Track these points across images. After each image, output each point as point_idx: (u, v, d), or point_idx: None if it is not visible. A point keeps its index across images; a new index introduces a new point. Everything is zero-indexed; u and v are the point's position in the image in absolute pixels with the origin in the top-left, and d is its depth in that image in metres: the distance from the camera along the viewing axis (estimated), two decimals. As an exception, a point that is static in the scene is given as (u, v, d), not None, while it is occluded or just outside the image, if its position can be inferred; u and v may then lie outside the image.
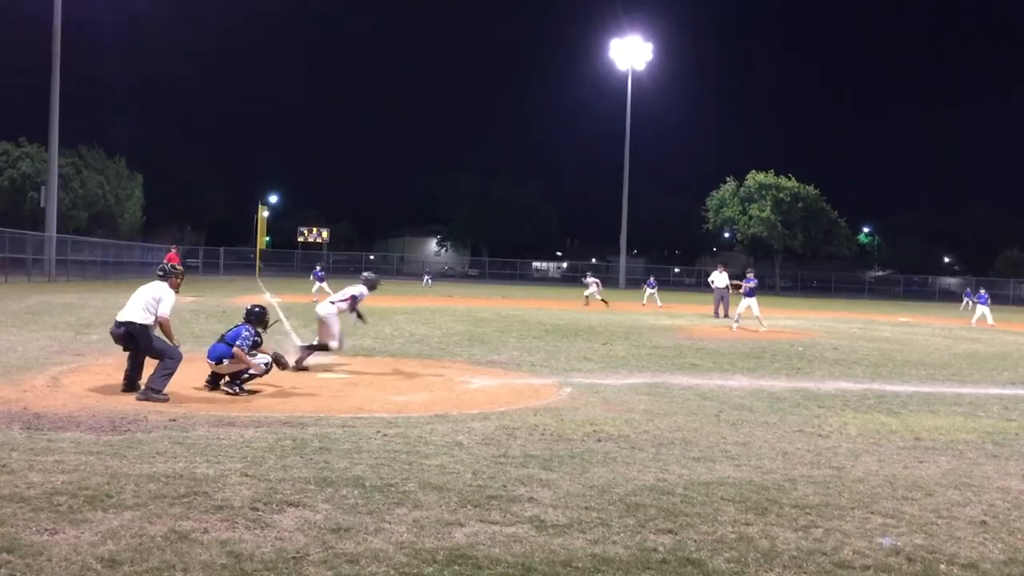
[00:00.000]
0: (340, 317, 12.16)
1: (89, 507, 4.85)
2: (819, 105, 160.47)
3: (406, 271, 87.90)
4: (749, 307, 23.08)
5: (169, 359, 9.01)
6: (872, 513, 5.48)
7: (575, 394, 10.14)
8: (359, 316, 12.49)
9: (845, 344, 19.64)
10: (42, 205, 45.52)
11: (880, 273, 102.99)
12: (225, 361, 9.48)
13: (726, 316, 27.44)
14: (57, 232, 44.12)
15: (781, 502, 5.63)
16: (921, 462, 7.14)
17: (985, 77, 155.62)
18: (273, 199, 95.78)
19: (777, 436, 8.02)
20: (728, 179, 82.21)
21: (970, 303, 33.02)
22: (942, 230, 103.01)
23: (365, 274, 13.03)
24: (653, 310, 33.13)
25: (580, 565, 4.31)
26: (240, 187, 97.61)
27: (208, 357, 9.61)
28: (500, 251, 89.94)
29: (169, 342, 9.19)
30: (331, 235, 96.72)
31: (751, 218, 79.33)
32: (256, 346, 9.88)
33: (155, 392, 8.74)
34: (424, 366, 12.47)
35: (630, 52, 72.81)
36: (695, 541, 4.75)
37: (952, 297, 78.37)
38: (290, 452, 6.45)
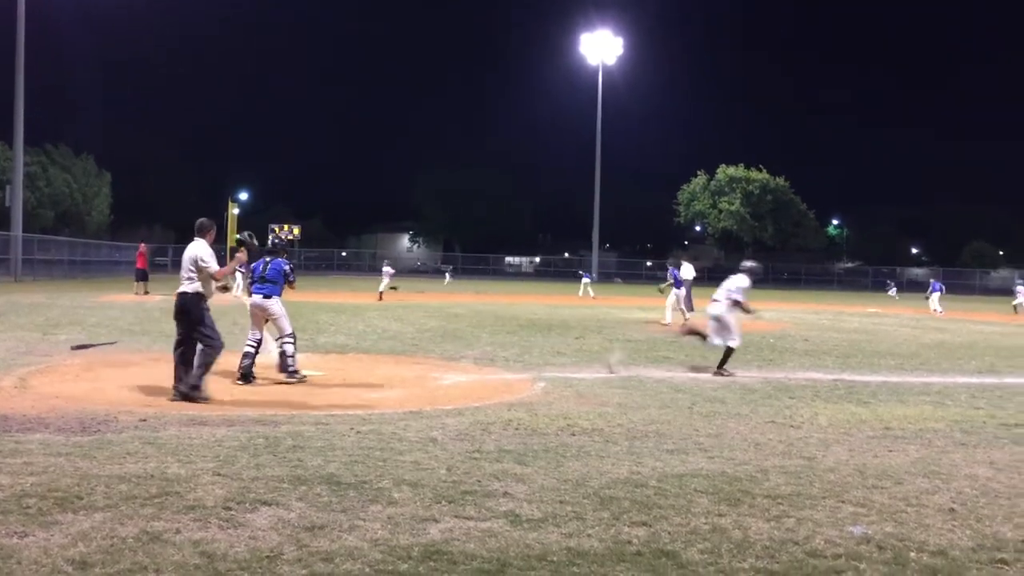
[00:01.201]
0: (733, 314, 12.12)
1: (59, 509, 4.79)
2: (788, 97, 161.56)
3: (379, 267, 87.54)
4: (676, 298, 22.66)
5: (210, 348, 8.84)
6: (843, 502, 5.54)
7: (549, 388, 10.17)
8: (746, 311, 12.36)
9: (815, 335, 19.84)
10: (7, 204, 44.85)
11: (849, 265, 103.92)
12: (274, 297, 10.15)
13: (691, 310, 27.61)
14: (23, 231, 43.52)
15: (753, 493, 5.68)
16: (890, 451, 7.23)
17: (951, 68, 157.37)
18: (243, 196, 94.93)
19: (749, 427, 8.09)
20: (699, 173, 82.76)
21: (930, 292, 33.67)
22: (910, 221, 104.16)
23: (749, 264, 12.78)
24: (591, 302, 33.26)
25: (555, 559, 4.32)
26: (210, 184, 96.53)
27: (257, 293, 10.12)
28: (473, 246, 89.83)
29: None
30: (302, 232, 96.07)
31: (721, 212, 79.89)
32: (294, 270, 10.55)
33: (195, 390, 8.61)
34: (397, 362, 12.44)
35: (601, 46, 73.04)
36: (669, 533, 4.78)
37: (919, 287, 79.40)
38: (263, 451, 6.41)
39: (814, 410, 9.19)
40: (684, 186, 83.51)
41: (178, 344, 9.05)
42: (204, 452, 6.31)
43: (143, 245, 32.71)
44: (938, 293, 33.86)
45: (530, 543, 4.53)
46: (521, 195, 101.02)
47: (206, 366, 8.81)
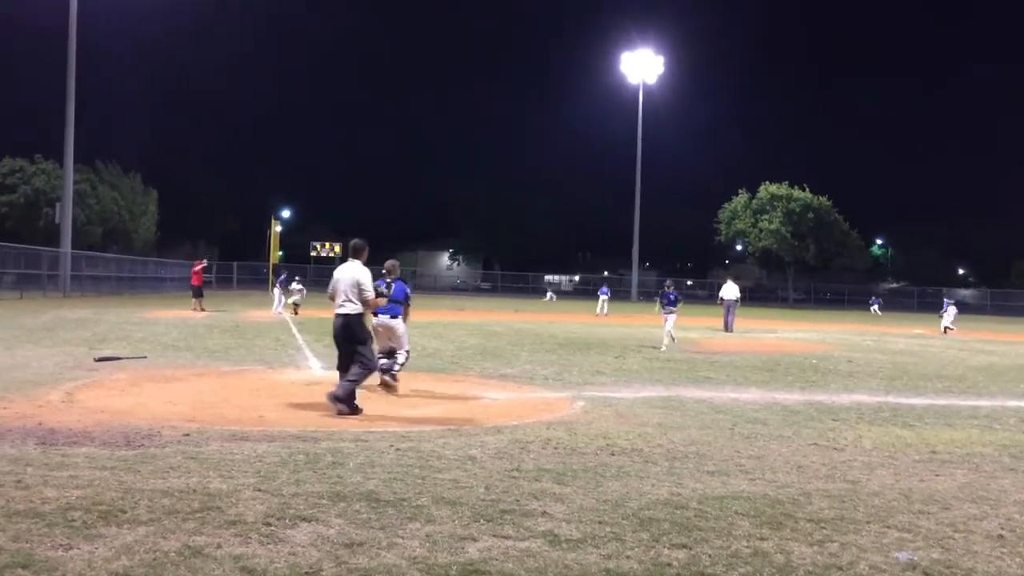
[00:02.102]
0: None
1: (103, 522, 4.86)
2: (834, 116, 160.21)
3: (420, 285, 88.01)
4: (667, 320, 20.82)
5: (363, 368, 9.23)
6: (888, 527, 5.43)
7: (588, 408, 10.12)
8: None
9: (859, 357, 19.55)
10: (56, 221, 45.86)
11: (894, 285, 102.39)
12: (399, 317, 11.03)
13: (730, 330, 27.37)
14: (72, 248, 44.43)
15: (796, 516, 5.59)
16: (937, 475, 7.08)
17: (1002, 89, 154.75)
18: (286, 214, 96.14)
19: (792, 450, 7.97)
20: (740, 191, 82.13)
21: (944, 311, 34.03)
22: (956, 242, 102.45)
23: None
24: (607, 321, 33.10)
25: (594, 580, 4.28)
26: (253, 202, 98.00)
27: (383, 314, 10.84)
28: (512, 264, 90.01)
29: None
30: (343, 250, 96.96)
31: (762, 231, 79.15)
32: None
33: (336, 400, 8.99)
34: (437, 380, 12.46)
35: (641, 65, 73.04)
36: (709, 556, 4.72)
37: (968, 309, 77.97)
38: (303, 467, 6.45)
39: (858, 433, 9.04)
40: (725, 204, 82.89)
41: (341, 365, 9.43)
42: (245, 467, 6.36)
43: (201, 262, 33.07)
44: (952, 312, 33.90)
45: (568, 564, 4.50)
46: (561, 214, 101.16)
47: (358, 382, 9.22)
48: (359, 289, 9.31)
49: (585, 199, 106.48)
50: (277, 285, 31.61)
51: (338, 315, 9.39)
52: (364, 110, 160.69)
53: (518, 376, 13.21)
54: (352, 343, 9.35)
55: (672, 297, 21.27)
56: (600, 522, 5.27)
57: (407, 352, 11.26)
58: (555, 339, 21.42)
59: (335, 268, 10.30)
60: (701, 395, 11.61)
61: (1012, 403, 12.14)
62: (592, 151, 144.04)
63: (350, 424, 8.50)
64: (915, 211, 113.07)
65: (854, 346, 23.56)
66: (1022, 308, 74.60)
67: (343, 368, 9.37)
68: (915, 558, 4.82)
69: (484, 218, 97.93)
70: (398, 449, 7.24)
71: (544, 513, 5.41)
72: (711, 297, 33.63)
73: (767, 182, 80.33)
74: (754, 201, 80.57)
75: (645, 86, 74.57)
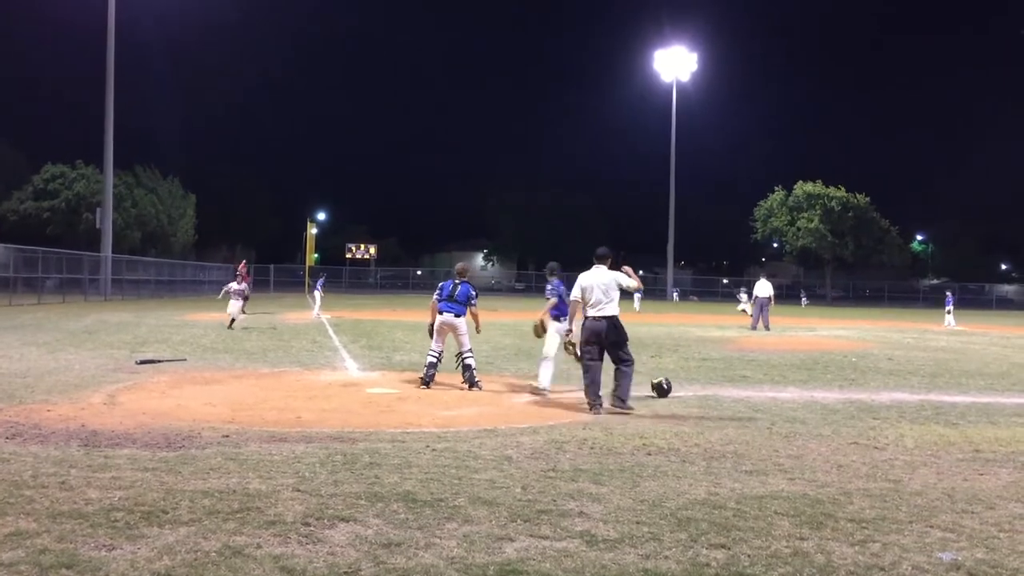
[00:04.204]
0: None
1: (145, 523, 4.92)
2: (869, 113, 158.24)
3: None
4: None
5: (629, 367, 9.97)
6: (931, 527, 5.35)
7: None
8: None
9: (900, 354, 19.28)
10: (98, 227, 46.59)
11: (935, 281, 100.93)
12: (462, 317, 11.53)
13: (766, 328, 27.13)
14: (112, 252, 45.12)
15: (836, 516, 5.52)
16: (981, 474, 6.96)
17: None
18: (321, 216, 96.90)
19: (831, 449, 7.88)
20: (776, 188, 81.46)
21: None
22: (996, 236, 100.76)
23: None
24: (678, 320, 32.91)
25: (632, 580, 4.26)
26: (288, 205, 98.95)
27: (447, 312, 11.45)
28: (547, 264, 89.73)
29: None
30: (378, 251, 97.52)
31: (799, 229, 78.46)
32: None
33: (623, 402, 9.71)
34: (472, 380, 12.46)
35: (675, 62, 72.68)
36: (748, 556, 4.68)
37: (1008, 304, 76.59)
38: (341, 467, 6.49)
39: (900, 431, 8.91)
40: (761, 202, 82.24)
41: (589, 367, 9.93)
42: (284, 468, 6.42)
43: (243, 264, 33.30)
44: (951, 307, 34.75)
45: (606, 564, 4.48)
46: (596, 212, 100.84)
47: (630, 380, 9.92)
48: (618, 287, 10.04)
49: (620, 198, 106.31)
50: (316, 288, 31.81)
51: (604, 317, 9.90)
52: (398, 112, 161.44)
53: (554, 376, 13.17)
54: (619, 343, 9.99)
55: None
56: (637, 522, 5.24)
57: (470, 352, 11.66)
58: (590, 339, 21.33)
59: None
60: (738, 394, 11.52)
61: (1058, 401, 11.89)
62: (627, 149, 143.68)
63: (387, 424, 8.55)
64: (954, 206, 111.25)
65: (894, 343, 23.25)
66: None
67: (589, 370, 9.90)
68: (959, 558, 4.74)
69: (518, 218, 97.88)
70: (434, 450, 7.27)
71: (581, 513, 5.40)
72: (747, 296, 33.73)
73: (802, 180, 79.61)
74: (790, 199, 79.85)
75: (679, 83, 74.18)
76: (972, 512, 5.73)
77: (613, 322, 9.91)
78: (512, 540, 4.83)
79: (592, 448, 7.54)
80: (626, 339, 10.05)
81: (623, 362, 9.93)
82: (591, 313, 9.94)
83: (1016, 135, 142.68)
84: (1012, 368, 16.64)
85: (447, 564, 4.41)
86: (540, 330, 11.49)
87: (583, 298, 10.01)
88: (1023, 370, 16.34)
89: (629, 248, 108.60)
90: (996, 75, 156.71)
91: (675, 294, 69.40)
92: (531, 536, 4.91)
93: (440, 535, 4.88)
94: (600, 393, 9.80)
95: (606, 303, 9.89)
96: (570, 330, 10.57)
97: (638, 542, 4.85)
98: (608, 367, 9.98)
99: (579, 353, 10.18)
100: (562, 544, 4.78)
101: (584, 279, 10.06)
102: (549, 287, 11.38)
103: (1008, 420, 9.93)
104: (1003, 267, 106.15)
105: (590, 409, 9.68)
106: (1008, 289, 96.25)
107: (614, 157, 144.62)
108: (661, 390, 11.07)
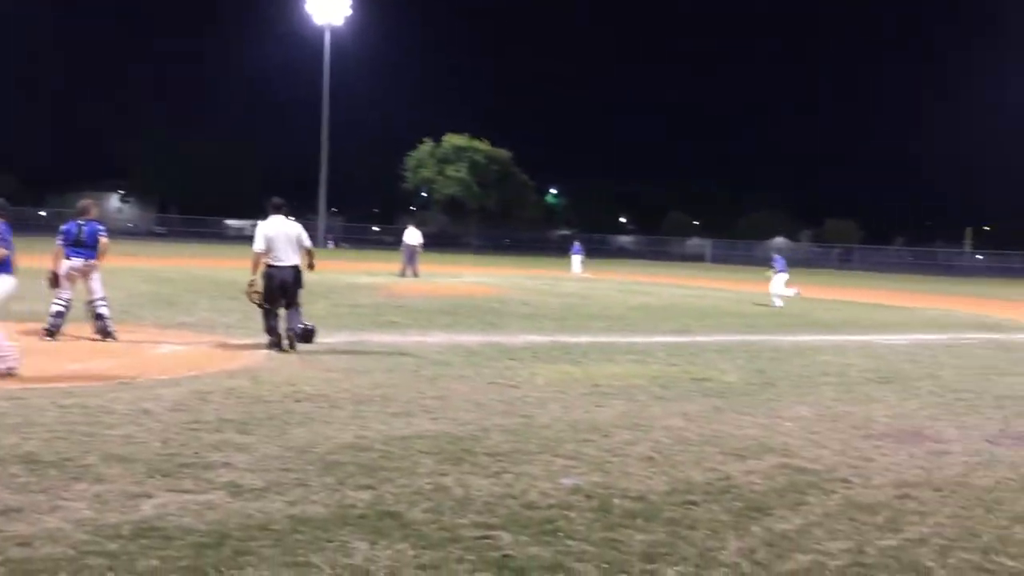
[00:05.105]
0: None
1: None
2: (516, 70, 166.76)
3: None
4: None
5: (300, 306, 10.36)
6: (557, 456, 5.89)
7: (273, 355, 9.93)
8: None
9: (534, 299, 20.79)
10: None
11: (565, 232, 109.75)
12: (93, 260, 10.49)
13: (415, 275, 28.00)
14: None
15: (475, 451, 5.89)
16: (599, 407, 7.76)
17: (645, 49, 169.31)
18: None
19: (472, 389, 8.35)
20: (425, 140, 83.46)
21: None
22: (620, 194, 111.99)
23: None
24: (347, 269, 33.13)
25: (278, 527, 4.25)
26: None
27: (76, 257, 10.39)
28: (192, 208, 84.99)
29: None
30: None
31: (448, 178, 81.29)
32: None
33: (298, 332, 10.15)
34: (105, 331, 11.55)
35: (327, 6, 71.28)
36: (393, 494, 4.85)
37: (626, 253, 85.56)
38: (-55, 431, 5.75)
39: (532, 370, 9.65)
40: (411, 152, 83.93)
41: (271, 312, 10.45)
42: None
43: None
44: (580, 256, 38.08)
45: (251, 513, 4.42)
46: (246, 157, 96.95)
47: (300, 314, 10.40)
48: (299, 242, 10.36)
49: (272, 144, 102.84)
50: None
51: (285, 267, 10.20)
52: (24, 40, 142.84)
53: (197, 325, 12.62)
54: (295, 292, 10.30)
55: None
56: (285, 469, 5.23)
57: (103, 299, 10.76)
58: (236, 286, 20.63)
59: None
60: (387, 340, 11.79)
61: (661, 339, 13.55)
62: (279, 94, 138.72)
63: (3, 383, 7.68)
64: (585, 166, 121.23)
65: (529, 290, 25.02)
66: (672, 253, 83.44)
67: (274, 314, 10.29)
68: (579, 482, 5.28)
69: (160, 159, 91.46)
70: (60, 406, 6.66)
71: (226, 464, 5.27)
72: (397, 242, 34.15)
73: (450, 133, 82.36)
74: (438, 150, 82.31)
75: (332, 28, 72.97)
76: (591, 441, 6.39)
77: (296, 271, 10.36)
78: (150, 497, 4.60)
79: (239, 398, 7.35)
80: (302, 286, 10.51)
81: (295, 306, 10.39)
82: (275, 263, 10.26)
83: (640, 107, 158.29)
84: (627, 312, 18.64)
85: (75, 527, 4.10)
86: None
87: (267, 248, 10.24)
88: (637, 313, 18.39)
89: (280, 194, 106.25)
90: (615, 45, 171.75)
91: (330, 243, 69.03)
92: (171, 491, 4.70)
93: (68, 496, 4.52)
94: (280, 332, 10.28)
95: (291, 252, 10.30)
96: (254, 279, 10.40)
97: (285, 489, 4.84)
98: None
99: (263, 302, 10.32)
100: (205, 497, 4.64)
101: (267, 229, 10.29)
102: None
103: (622, 357, 11.14)
104: (623, 220, 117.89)
105: (272, 347, 10.18)
106: (626, 240, 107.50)
107: (267, 102, 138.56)
108: (307, 334, 10.97)
